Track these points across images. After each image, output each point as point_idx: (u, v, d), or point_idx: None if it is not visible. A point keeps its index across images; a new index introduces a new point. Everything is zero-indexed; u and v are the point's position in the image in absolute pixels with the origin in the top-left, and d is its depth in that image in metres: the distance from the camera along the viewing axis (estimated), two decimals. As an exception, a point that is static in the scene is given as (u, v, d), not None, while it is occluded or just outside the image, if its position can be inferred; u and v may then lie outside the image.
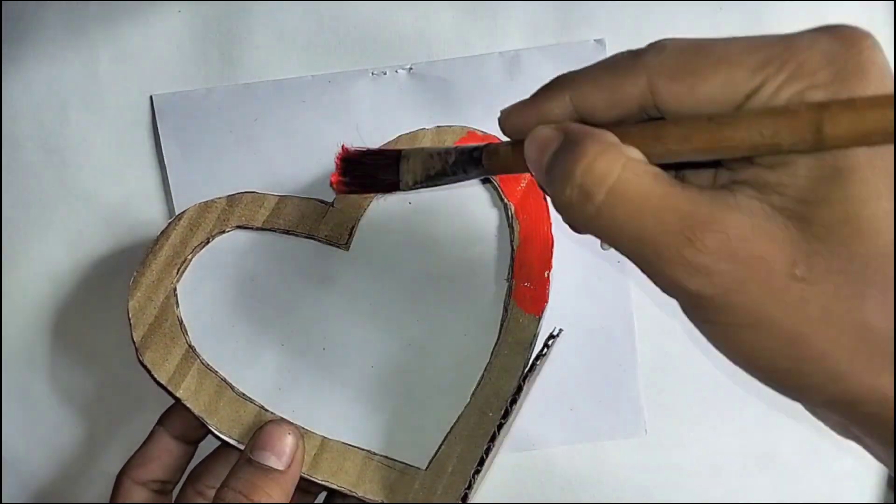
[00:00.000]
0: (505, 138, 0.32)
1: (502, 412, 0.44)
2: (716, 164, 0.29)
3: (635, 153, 0.27)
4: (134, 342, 0.44)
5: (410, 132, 0.46)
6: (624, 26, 0.50)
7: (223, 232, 0.45)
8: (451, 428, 0.45)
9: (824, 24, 0.26)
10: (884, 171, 0.24)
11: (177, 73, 0.50)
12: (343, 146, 0.41)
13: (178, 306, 0.44)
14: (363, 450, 0.45)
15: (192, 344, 0.44)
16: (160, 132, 0.49)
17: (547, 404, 0.50)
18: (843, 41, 0.25)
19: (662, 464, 0.50)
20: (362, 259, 0.47)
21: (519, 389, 0.44)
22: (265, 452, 0.42)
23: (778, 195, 0.25)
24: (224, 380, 0.44)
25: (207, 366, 0.44)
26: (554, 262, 0.46)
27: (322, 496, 0.48)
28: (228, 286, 0.46)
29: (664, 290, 0.27)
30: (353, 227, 0.46)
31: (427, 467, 0.45)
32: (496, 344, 0.46)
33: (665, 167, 0.27)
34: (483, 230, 0.48)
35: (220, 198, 0.45)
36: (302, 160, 0.49)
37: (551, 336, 0.45)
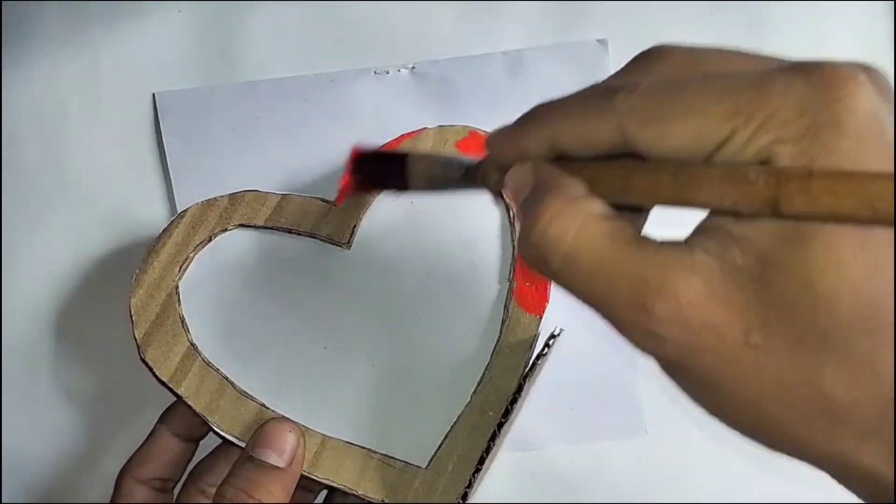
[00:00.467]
0: None
1: (503, 411, 0.44)
2: None
3: (596, 207, 0.26)
4: (136, 340, 0.43)
5: (413, 131, 0.46)
6: (625, 26, 0.50)
7: (225, 230, 0.45)
8: (452, 427, 0.45)
9: (805, 62, 0.24)
10: (853, 237, 0.23)
11: (177, 72, 0.50)
12: (354, 147, 0.40)
13: (179, 304, 0.44)
14: (364, 448, 0.45)
15: (194, 342, 0.44)
16: (163, 130, 0.50)
17: (547, 404, 0.50)
18: (820, 88, 0.23)
19: (663, 464, 0.50)
20: (364, 258, 0.47)
21: (520, 389, 0.44)
22: (266, 450, 0.42)
23: (740, 252, 0.24)
24: (225, 378, 0.44)
25: (209, 363, 0.44)
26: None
27: (322, 495, 0.48)
28: (230, 284, 0.46)
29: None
30: (354, 227, 0.46)
31: (427, 466, 0.45)
32: (497, 343, 0.46)
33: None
34: (485, 229, 0.48)
35: (222, 196, 0.45)
36: (304, 159, 0.49)
37: (552, 336, 0.45)
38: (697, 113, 0.24)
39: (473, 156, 0.33)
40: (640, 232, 0.28)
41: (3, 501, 0.50)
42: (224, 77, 0.50)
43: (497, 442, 0.44)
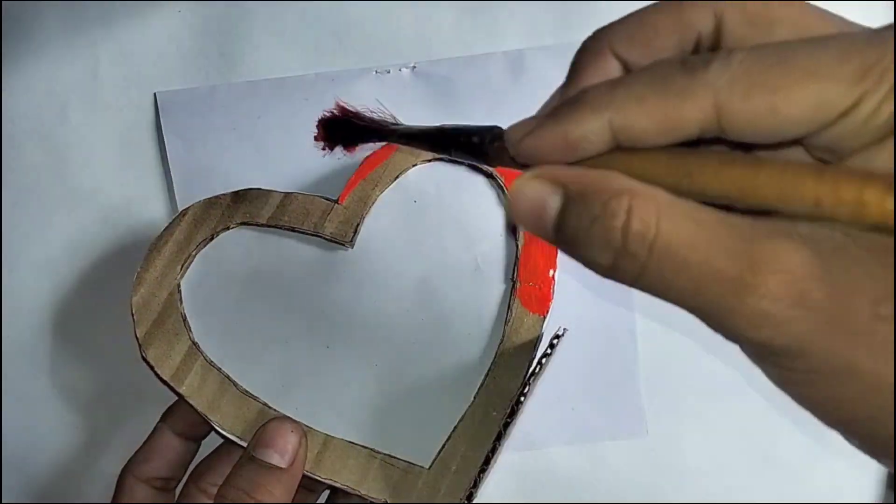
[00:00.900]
0: None
1: (508, 411, 0.44)
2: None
3: (662, 193, 0.23)
4: (137, 338, 0.43)
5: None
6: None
7: (227, 228, 0.45)
8: (455, 427, 0.45)
9: None
10: None
11: (177, 72, 0.50)
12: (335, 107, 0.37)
13: (181, 302, 0.44)
14: (366, 448, 0.45)
15: (196, 340, 0.44)
16: (163, 129, 0.49)
17: (548, 404, 0.50)
18: None
19: (663, 464, 0.50)
20: (367, 257, 0.47)
21: (525, 388, 0.44)
22: (268, 450, 0.42)
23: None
24: (227, 377, 0.44)
25: (211, 362, 0.44)
26: (558, 261, 0.46)
27: (325, 495, 0.48)
28: (232, 283, 0.46)
29: (730, 340, 0.23)
30: (357, 225, 0.46)
31: (430, 466, 0.45)
32: (501, 343, 0.46)
33: None
34: (488, 229, 0.48)
35: (224, 194, 0.45)
36: (304, 158, 0.49)
37: (556, 336, 0.45)
38: (818, 78, 0.21)
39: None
40: None
41: (3, 501, 0.50)
42: (224, 77, 0.50)
43: (502, 442, 0.44)
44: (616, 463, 0.50)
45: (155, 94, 0.50)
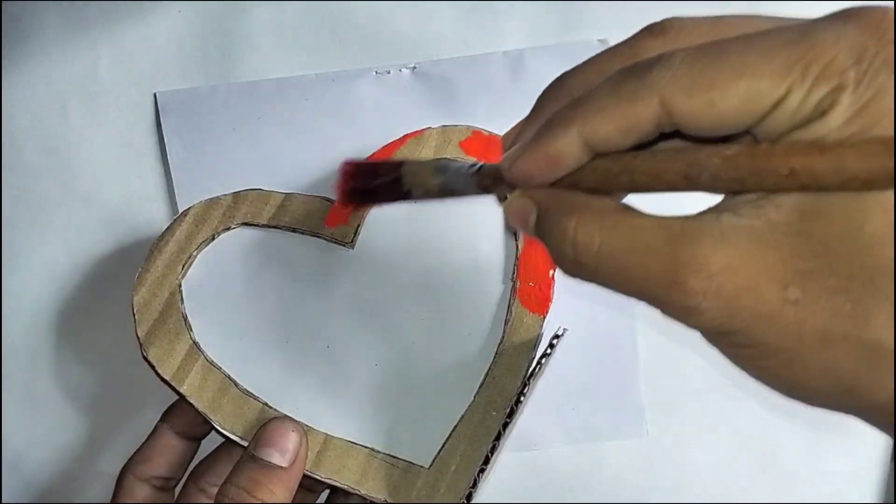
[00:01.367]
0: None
1: (507, 411, 0.44)
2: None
3: (607, 204, 0.27)
4: (138, 338, 0.43)
5: (416, 131, 0.47)
6: (625, 26, 0.49)
7: (228, 229, 0.45)
8: (455, 427, 0.45)
9: (847, 9, 0.24)
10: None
11: (177, 72, 0.50)
12: (344, 161, 0.36)
13: (182, 302, 0.44)
14: (366, 448, 0.45)
15: (197, 340, 0.44)
16: (163, 129, 0.49)
17: (548, 404, 0.50)
18: (871, 31, 0.23)
19: (663, 464, 0.50)
20: (367, 257, 0.47)
21: (524, 388, 0.44)
22: (269, 449, 0.42)
23: (775, 207, 0.24)
24: (228, 376, 0.44)
25: (211, 362, 0.44)
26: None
27: (325, 495, 0.48)
28: (233, 283, 0.46)
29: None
30: (358, 226, 0.46)
31: (430, 466, 0.45)
32: (500, 343, 0.46)
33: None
34: (488, 229, 0.48)
35: (225, 195, 0.45)
36: (305, 159, 0.49)
37: (556, 336, 0.45)
38: (749, 74, 0.23)
39: (473, 159, 0.32)
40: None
41: (3, 501, 0.50)
42: (224, 77, 0.50)
43: (502, 442, 0.44)
44: (616, 463, 0.50)
45: (155, 95, 0.50)
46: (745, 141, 0.25)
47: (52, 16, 0.51)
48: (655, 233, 0.25)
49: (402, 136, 0.47)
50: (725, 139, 0.25)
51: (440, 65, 0.50)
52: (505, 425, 0.44)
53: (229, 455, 0.45)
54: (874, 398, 0.24)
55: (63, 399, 0.50)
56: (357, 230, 0.46)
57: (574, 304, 0.48)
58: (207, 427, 0.44)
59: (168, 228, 0.45)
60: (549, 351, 0.44)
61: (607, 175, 0.27)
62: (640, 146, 0.26)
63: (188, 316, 0.44)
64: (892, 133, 0.22)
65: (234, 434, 0.43)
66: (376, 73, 0.50)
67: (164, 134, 0.49)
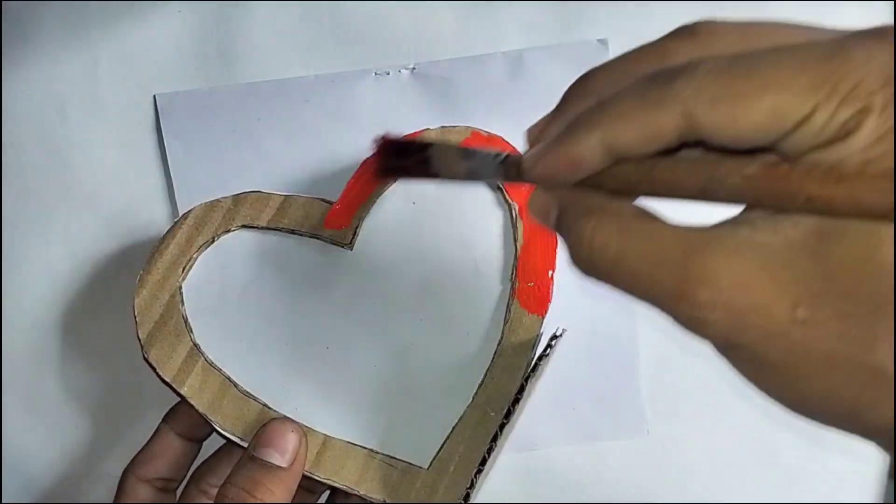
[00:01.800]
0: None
1: (504, 412, 0.44)
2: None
3: (628, 209, 0.27)
4: (139, 340, 0.44)
5: (415, 132, 0.46)
6: (625, 26, 0.50)
7: (228, 231, 0.45)
8: (454, 428, 0.45)
9: (878, 28, 0.24)
10: None
11: (177, 73, 0.50)
12: (384, 136, 0.38)
13: (183, 304, 0.44)
14: (365, 448, 0.45)
15: (197, 342, 0.44)
16: (163, 131, 0.49)
17: (549, 404, 0.50)
18: None
19: (664, 464, 0.50)
20: (366, 259, 0.47)
21: (521, 389, 0.44)
22: (268, 450, 0.42)
23: (793, 225, 0.24)
24: (228, 378, 0.44)
25: (212, 364, 0.44)
26: (557, 261, 0.46)
27: (325, 496, 0.48)
28: (233, 285, 0.46)
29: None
30: (357, 227, 0.46)
31: (429, 467, 0.45)
32: (499, 344, 0.46)
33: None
34: (487, 230, 0.48)
35: (225, 197, 0.45)
36: (305, 160, 0.49)
37: (554, 336, 0.45)
38: (775, 89, 0.23)
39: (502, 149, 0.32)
40: None
41: (4, 501, 0.50)
42: (224, 78, 0.50)
43: (499, 442, 0.44)
44: (616, 463, 0.50)
45: (154, 97, 0.50)
46: (765, 159, 0.24)
47: (51, 16, 0.51)
48: (670, 241, 0.25)
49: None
50: (750, 151, 0.25)
51: (439, 65, 0.50)
52: (502, 426, 0.44)
53: (230, 456, 0.45)
54: (875, 422, 0.24)
55: (64, 400, 0.50)
56: (356, 232, 0.46)
57: (574, 304, 0.48)
58: (209, 428, 0.45)
59: (168, 231, 0.45)
60: (547, 351, 0.44)
61: (627, 181, 0.27)
62: (664, 152, 0.26)
63: (189, 318, 0.45)
64: None
65: (234, 435, 0.43)
66: (376, 73, 0.50)
67: (164, 136, 0.49)
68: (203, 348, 0.44)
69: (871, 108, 0.22)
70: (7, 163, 0.50)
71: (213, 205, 0.45)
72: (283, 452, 0.42)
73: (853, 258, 0.23)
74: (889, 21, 0.49)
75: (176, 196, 0.49)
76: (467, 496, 0.43)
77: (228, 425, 0.44)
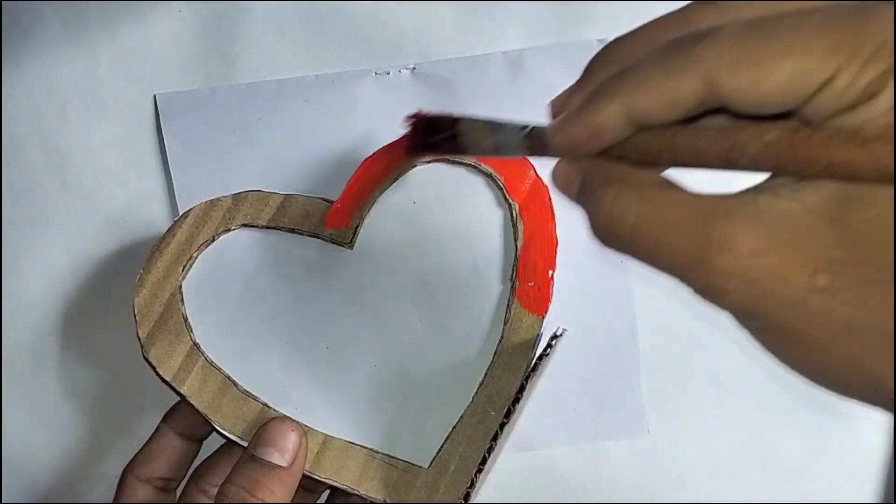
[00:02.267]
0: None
1: (505, 412, 0.44)
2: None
3: (649, 177, 0.27)
4: (139, 339, 0.44)
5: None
6: (625, 26, 0.50)
7: (228, 230, 0.45)
8: (454, 427, 0.45)
9: None
10: None
11: (177, 73, 0.50)
12: (417, 112, 0.39)
13: (183, 303, 0.44)
14: (365, 448, 0.45)
15: (197, 341, 0.44)
16: (163, 131, 0.49)
17: (549, 404, 0.50)
18: None
19: (664, 464, 0.50)
20: (366, 258, 0.47)
21: (522, 389, 0.44)
22: (268, 449, 0.42)
23: (814, 190, 0.24)
24: (228, 377, 0.44)
25: (212, 363, 0.44)
26: (557, 261, 0.46)
27: (325, 496, 0.48)
28: (233, 284, 0.46)
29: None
30: (357, 226, 0.46)
31: (429, 466, 0.45)
32: (499, 343, 0.46)
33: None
34: (487, 230, 0.48)
35: (225, 196, 0.45)
36: (305, 160, 0.49)
37: (554, 336, 0.45)
38: (798, 52, 0.23)
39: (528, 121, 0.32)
40: None
41: (4, 501, 0.50)
42: (224, 78, 0.50)
43: (499, 442, 0.44)
44: (616, 463, 0.50)
45: (154, 97, 0.50)
46: (787, 125, 0.24)
47: (51, 16, 0.51)
48: (690, 210, 0.25)
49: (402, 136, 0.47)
50: (772, 117, 0.25)
51: (440, 65, 0.50)
52: (502, 426, 0.44)
53: (230, 456, 0.45)
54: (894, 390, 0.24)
55: (64, 400, 0.50)
56: (356, 231, 0.46)
57: (574, 304, 0.48)
58: (209, 428, 0.45)
59: (168, 230, 0.45)
60: (548, 351, 0.44)
61: (649, 151, 0.27)
62: (686, 120, 0.26)
63: (189, 317, 0.45)
64: None
65: (233, 434, 0.43)
66: (376, 73, 0.50)
67: (164, 136, 0.49)
68: (203, 347, 0.44)
69: (894, 70, 0.22)
70: (7, 163, 0.50)
71: (213, 204, 0.45)
72: (283, 452, 0.42)
73: (875, 224, 0.23)
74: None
75: (176, 196, 0.49)
76: (468, 496, 0.43)
77: (228, 425, 0.44)
